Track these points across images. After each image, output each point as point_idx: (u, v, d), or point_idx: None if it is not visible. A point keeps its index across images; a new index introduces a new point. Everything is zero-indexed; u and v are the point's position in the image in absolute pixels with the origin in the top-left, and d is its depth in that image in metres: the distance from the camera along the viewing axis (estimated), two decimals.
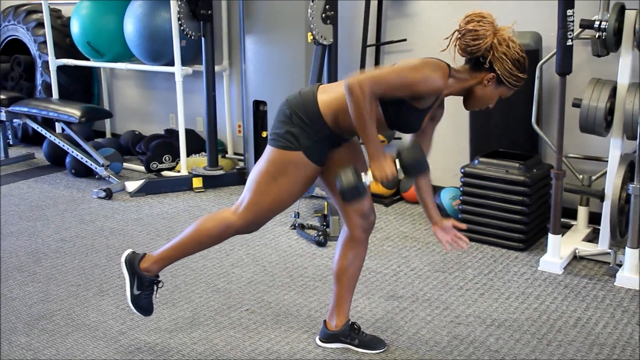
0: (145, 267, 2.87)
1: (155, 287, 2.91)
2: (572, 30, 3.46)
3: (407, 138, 2.81)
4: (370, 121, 2.39)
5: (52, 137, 5.62)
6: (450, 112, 4.65)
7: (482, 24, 2.41)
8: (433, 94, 2.48)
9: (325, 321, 2.97)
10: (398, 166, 2.48)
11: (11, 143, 6.58)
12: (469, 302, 3.37)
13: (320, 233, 4.11)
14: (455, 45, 2.45)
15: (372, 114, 2.39)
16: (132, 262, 2.87)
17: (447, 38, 2.47)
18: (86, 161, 5.44)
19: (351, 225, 2.79)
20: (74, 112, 5.35)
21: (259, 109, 5.14)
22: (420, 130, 2.66)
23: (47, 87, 6.37)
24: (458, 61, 2.51)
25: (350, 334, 2.92)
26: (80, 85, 6.59)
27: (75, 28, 5.91)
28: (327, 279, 3.62)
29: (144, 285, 2.87)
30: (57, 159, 5.90)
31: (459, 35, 2.44)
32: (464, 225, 2.80)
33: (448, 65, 2.48)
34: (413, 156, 2.46)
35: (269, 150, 2.61)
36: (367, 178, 2.47)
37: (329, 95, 2.55)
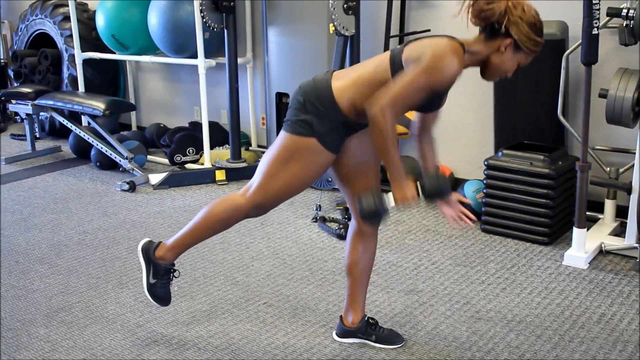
0: (160, 255, 2.86)
1: (171, 276, 2.90)
2: (599, 19, 3.38)
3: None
4: (393, 149, 2.37)
5: (77, 130, 5.66)
6: (475, 104, 4.59)
7: None
8: (453, 81, 2.43)
9: (341, 316, 2.94)
10: (419, 189, 2.53)
11: (38, 136, 6.64)
12: (490, 297, 3.31)
13: (341, 226, 4.07)
14: (468, 12, 2.38)
15: (394, 138, 2.36)
16: (148, 251, 2.87)
17: (459, 3, 2.41)
18: (110, 154, 5.46)
19: (359, 218, 2.74)
20: (98, 105, 5.37)
21: (282, 101, 5.11)
22: None
23: (74, 80, 6.41)
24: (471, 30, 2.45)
25: (367, 329, 2.89)
26: (106, 78, 6.63)
27: (100, 21, 5.94)
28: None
29: (159, 274, 2.86)
30: (82, 151, 5.94)
31: (472, 2, 2.36)
32: (468, 200, 2.72)
33: (461, 44, 2.40)
34: (435, 183, 2.49)
35: (282, 135, 2.56)
36: (389, 202, 2.46)
37: (343, 81, 2.50)
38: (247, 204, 2.63)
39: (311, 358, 2.81)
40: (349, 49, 4.56)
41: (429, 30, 4.73)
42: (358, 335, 2.90)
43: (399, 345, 2.88)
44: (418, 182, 2.52)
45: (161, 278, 2.87)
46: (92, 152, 5.71)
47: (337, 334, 2.95)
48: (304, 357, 2.82)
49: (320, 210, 4.39)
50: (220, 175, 5.26)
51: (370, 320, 2.91)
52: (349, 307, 2.90)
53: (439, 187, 2.48)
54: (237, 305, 3.27)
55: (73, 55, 6.29)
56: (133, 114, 6.75)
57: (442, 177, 2.50)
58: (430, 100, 2.45)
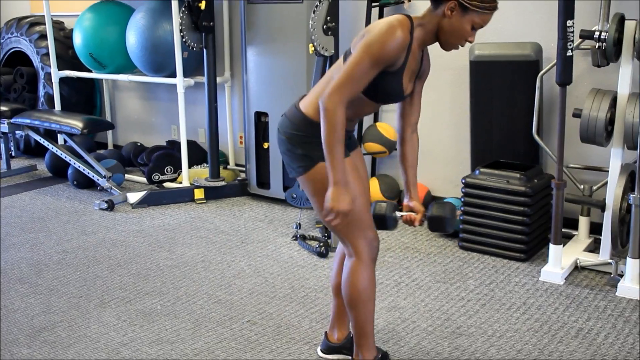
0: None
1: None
2: (572, 41, 3.47)
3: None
4: (338, 141, 2.30)
5: (54, 149, 5.64)
6: (451, 123, 4.67)
7: None
8: (400, 52, 2.32)
9: (326, 333, 2.97)
10: (427, 213, 2.58)
11: (13, 155, 6.61)
12: (470, 312, 3.37)
13: (321, 244, 4.11)
14: None
15: (342, 129, 2.29)
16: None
17: None
18: (88, 173, 5.46)
19: None
20: (76, 123, 5.37)
21: (261, 120, 5.15)
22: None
23: (50, 98, 6.40)
24: None
25: (352, 346, 2.92)
26: (83, 97, 6.62)
27: (77, 40, 5.94)
28: (328, 290, 3.62)
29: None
30: (59, 170, 5.92)
31: None
32: (419, 215, 2.63)
33: (409, 17, 2.36)
34: (440, 212, 2.52)
35: (302, 181, 2.55)
36: (398, 214, 2.54)
37: (309, 98, 2.52)
38: (361, 257, 2.57)
39: None
40: (328, 69, 4.62)
41: None
42: (343, 352, 2.93)
43: None
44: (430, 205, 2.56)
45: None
46: (69, 171, 5.69)
47: (321, 350, 2.97)
48: None
49: (300, 228, 4.43)
50: (199, 193, 5.27)
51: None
52: (335, 324, 2.93)
53: (440, 217, 2.52)
54: (221, 323, 3.29)
55: (49, 74, 6.28)
56: (110, 132, 6.74)
57: (450, 211, 2.51)
58: (387, 82, 2.38)
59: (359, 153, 2.75)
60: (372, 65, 2.29)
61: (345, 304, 2.65)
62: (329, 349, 2.95)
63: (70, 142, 5.59)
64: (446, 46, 2.41)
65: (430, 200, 4.81)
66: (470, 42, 2.38)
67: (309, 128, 2.47)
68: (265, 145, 5.15)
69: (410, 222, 2.64)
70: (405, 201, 2.71)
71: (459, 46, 2.41)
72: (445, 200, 2.57)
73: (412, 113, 2.64)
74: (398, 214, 2.60)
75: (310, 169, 2.50)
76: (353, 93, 2.32)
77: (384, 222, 2.59)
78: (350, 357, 2.91)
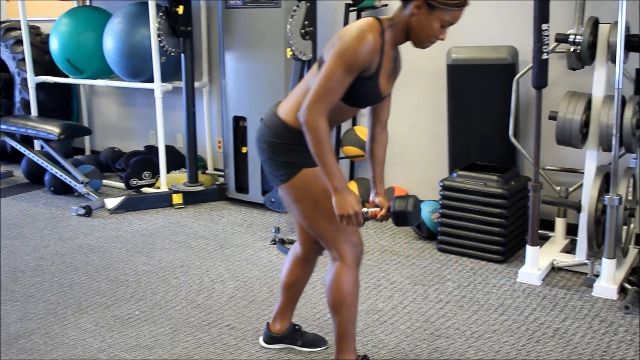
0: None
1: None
2: (548, 44, 3.51)
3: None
4: (328, 151, 2.31)
5: (30, 155, 5.59)
6: (429, 127, 4.69)
7: None
8: (373, 57, 2.32)
9: (268, 324, 3.04)
10: (391, 208, 2.54)
11: None
12: (448, 314, 3.38)
13: None
14: None
15: (328, 139, 2.30)
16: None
17: None
18: (65, 178, 5.42)
19: (306, 246, 2.83)
20: (53, 129, 5.33)
21: (239, 124, 5.14)
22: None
23: (26, 104, 6.35)
24: None
25: (294, 335, 3.02)
26: (60, 103, 6.57)
27: (54, 45, 5.90)
28: (307, 294, 3.62)
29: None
30: (35, 176, 5.87)
31: None
32: (383, 211, 2.58)
33: (378, 19, 2.35)
34: (402, 206, 2.51)
35: (285, 189, 2.55)
36: (364, 210, 2.53)
37: (288, 104, 2.50)
38: (346, 261, 2.57)
39: None
40: (306, 73, 4.63)
41: None
42: (285, 341, 3.02)
43: (324, 348, 3.02)
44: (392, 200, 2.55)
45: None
46: (46, 177, 5.65)
47: (264, 340, 3.06)
48: None
49: (278, 232, 4.43)
50: (177, 198, 5.25)
51: (296, 327, 3.03)
52: (278, 316, 3.01)
53: (404, 212, 2.50)
54: (200, 328, 3.28)
55: (25, 79, 6.22)
56: (87, 138, 6.70)
57: (413, 204, 2.50)
58: (363, 87, 2.38)
59: None
60: (346, 73, 2.29)
61: (329, 307, 2.66)
62: (270, 339, 3.04)
63: (47, 148, 5.55)
64: (417, 44, 2.40)
65: None
66: (442, 39, 2.36)
67: (289, 135, 2.47)
68: (244, 150, 5.15)
69: (375, 218, 2.63)
70: (371, 197, 2.72)
71: (430, 44, 2.38)
72: (407, 195, 2.57)
73: (382, 110, 2.64)
74: (363, 210, 2.57)
75: (294, 177, 2.49)
76: (332, 103, 2.32)
77: (404, 218, 2.55)
78: (293, 346, 3.02)
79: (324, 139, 2.30)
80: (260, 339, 3.07)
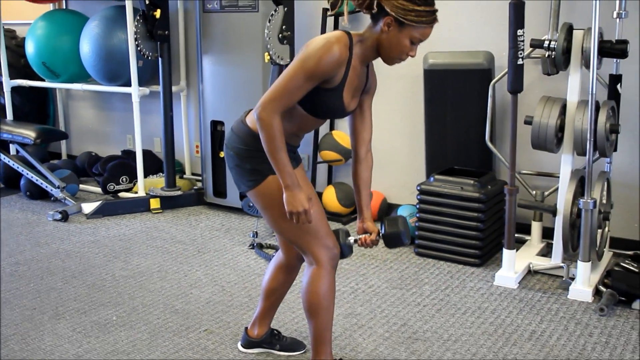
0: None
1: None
2: (523, 50, 3.55)
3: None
4: (280, 148, 2.33)
5: (6, 159, 5.54)
6: (406, 131, 4.72)
7: None
8: (337, 68, 2.33)
9: (246, 328, 3.04)
10: (380, 232, 2.58)
11: None
12: (426, 317, 3.40)
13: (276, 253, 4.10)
14: (346, 4, 2.35)
15: (280, 136, 2.32)
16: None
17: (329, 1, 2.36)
18: (41, 183, 5.38)
19: (288, 253, 2.84)
20: (28, 133, 5.29)
21: (217, 129, 5.14)
22: (357, 109, 2.58)
23: (1, 108, 6.27)
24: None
25: (272, 340, 3.02)
26: (35, 106, 6.52)
27: (30, 48, 5.86)
28: (285, 299, 3.61)
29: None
30: (11, 181, 5.82)
31: None
32: (373, 236, 2.64)
33: (348, 33, 2.37)
34: (393, 228, 2.53)
35: (253, 196, 2.55)
36: (351, 240, 2.59)
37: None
38: (321, 265, 2.57)
39: None
40: None
41: None
42: (263, 346, 3.03)
43: (302, 352, 3.02)
44: (381, 223, 2.58)
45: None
46: (22, 182, 5.60)
47: (242, 345, 3.06)
48: None
49: (256, 236, 4.43)
50: (154, 203, 5.23)
51: (274, 331, 3.04)
52: (257, 322, 3.01)
53: (396, 233, 2.52)
54: (178, 333, 3.27)
55: (1, 83, 6.16)
56: (63, 142, 6.65)
57: (403, 225, 2.52)
58: (327, 98, 2.39)
59: (302, 169, 2.72)
60: (305, 79, 2.31)
61: (305, 311, 2.66)
62: (249, 343, 3.03)
63: (23, 152, 5.50)
64: (388, 61, 2.42)
65: (386, 207, 4.85)
66: (412, 56, 2.39)
67: (255, 142, 2.46)
68: (222, 154, 5.14)
69: (366, 245, 2.65)
70: (359, 223, 2.70)
71: (400, 60, 2.40)
72: (395, 215, 2.59)
73: (364, 129, 2.64)
74: (351, 239, 2.61)
75: (260, 183, 2.50)
76: (286, 105, 2.34)
77: (399, 240, 2.60)
78: (271, 350, 3.02)
79: (276, 136, 2.32)
80: (239, 344, 3.07)
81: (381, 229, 2.59)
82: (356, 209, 2.75)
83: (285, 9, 4.46)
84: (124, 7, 5.18)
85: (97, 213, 5.10)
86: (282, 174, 2.37)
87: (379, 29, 2.34)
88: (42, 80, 6.07)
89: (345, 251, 2.63)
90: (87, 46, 5.48)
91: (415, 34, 2.31)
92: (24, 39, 6.10)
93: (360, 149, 2.66)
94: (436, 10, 2.31)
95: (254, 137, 2.47)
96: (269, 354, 3.03)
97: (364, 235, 2.65)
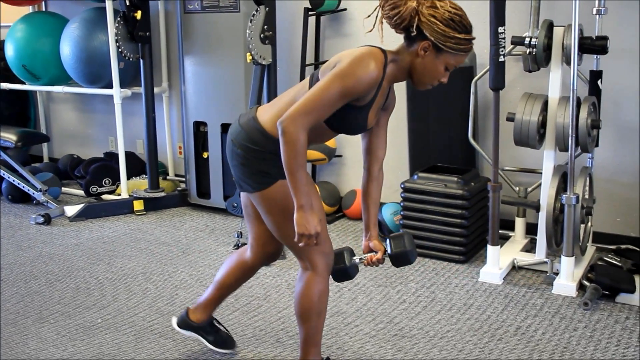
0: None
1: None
2: (504, 47, 3.57)
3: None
4: (301, 165, 2.24)
5: None
6: (389, 129, 4.71)
7: None
8: (372, 89, 2.29)
9: (188, 309, 2.96)
10: (387, 251, 2.55)
11: None
12: (412, 315, 3.41)
13: None
14: (382, 23, 2.28)
15: (304, 154, 2.23)
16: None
17: (368, 16, 2.29)
18: (23, 186, 5.34)
19: (257, 256, 2.80)
20: (9, 136, 5.24)
21: (200, 129, 5.12)
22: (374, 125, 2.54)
23: None
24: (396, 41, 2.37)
25: (209, 330, 2.97)
26: (16, 109, 6.46)
27: (9, 51, 5.80)
28: (271, 298, 3.63)
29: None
30: None
31: (381, 11, 2.25)
32: (379, 255, 2.60)
33: (383, 51, 2.31)
34: (400, 247, 2.50)
35: (256, 198, 2.48)
36: (357, 259, 2.57)
37: (270, 113, 2.43)
38: (318, 271, 2.53)
39: None
40: (266, 78, 4.64)
41: None
42: (199, 332, 2.95)
43: (230, 352, 3.01)
44: (386, 241, 2.55)
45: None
46: (3, 185, 5.55)
47: (177, 323, 2.96)
48: None
49: (241, 237, 4.42)
50: (138, 205, 5.21)
51: (214, 321, 3.00)
52: (201, 307, 2.94)
53: (404, 252, 2.50)
54: (164, 334, 3.26)
55: None
56: (45, 145, 6.60)
57: (410, 243, 2.50)
58: (353, 116, 2.35)
59: (313, 184, 2.64)
60: (341, 96, 2.23)
61: (297, 314, 2.62)
62: (185, 324, 2.94)
63: (4, 156, 5.45)
64: (419, 85, 2.37)
65: None
66: (443, 82, 2.34)
67: (266, 143, 2.40)
68: (205, 155, 5.13)
69: (372, 264, 2.61)
70: (364, 241, 2.66)
71: (432, 86, 2.36)
72: (400, 232, 2.57)
73: (379, 147, 2.58)
74: (356, 258, 2.58)
75: (268, 187, 2.43)
76: (316, 120, 2.25)
77: (346, 274, 2.58)
78: (204, 340, 2.96)
79: (301, 153, 2.22)
80: (174, 320, 2.97)
81: (387, 247, 2.55)
82: (363, 222, 2.68)
83: (267, 8, 4.45)
84: (104, 8, 5.15)
85: (80, 216, 5.07)
86: (297, 194, 2.27)
87: (414, 52, 2.28)
88: (23, 83, 6.01)
89: (351, 272, 2.58)
90: (67, 48, 5.44)
91: (451, 61, 2.28)
92: (3, 41, 6.04)
93: (373, 167, 2.61)
94: (474, 38, 2.29)
95: (266, 138, 2.40)
96: (242, 353, 3.02)
97: (369, 255, 2.60)
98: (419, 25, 2.22)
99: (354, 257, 2.58)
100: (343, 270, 2.56)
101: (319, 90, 2.25)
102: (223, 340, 3.02)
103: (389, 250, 2.54)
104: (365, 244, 2.66)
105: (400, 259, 2.55)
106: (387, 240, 2.55)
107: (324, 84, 2.25)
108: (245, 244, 4.29)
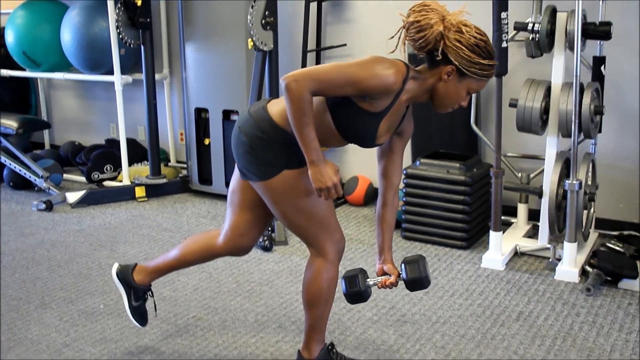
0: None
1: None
2: (507, 33, 3.55)
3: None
4: (308, 123, 2.19)
5: None
6: None
7: (425, 13, 2.20)
8: (385, 93, 2.25)
9: (136, 265, 2.94)
10: (402, 275, 2.54)
11: None
12: (414, 300, 3.41)
13: (265, 238, 4.10)
14: (405, 44, 2.26)
15: (310, 113, 2.18)
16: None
17: (392, 37, 2.28)
18: (25, 173, 5.33)
19: (231, 242, 2.74)
20: (10, 123, 5.23)
21: (201, 116, 5.11)
22: (386, 146, 2.52)
23: None
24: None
25: (142, 294, 2.93)
26: (17, 97, 6.45)
27: (10, 38, 5.78)
28: (273, 284, 3.63)
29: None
30: None
31: (406, 33, 2.23)
32: (393, 278, 2.58)
33: (407, 65, 2.28)
34: (416, 273, 2.49)
35: (261, 188, 2.44)
36: (371, 282, 2.57)
37: (280, 106, 2.37)
38: (328, 258, 2.53)
39: None
40: (268, 64, 4.61)
41: (344, 45, 4.85)
42: (130, 292, 2.90)
43: (139, 326, 2.96)
44: (401, 272, 2.54)
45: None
46: (5, 172, 5.54)
47: (117, 271, 2.92)
48: None
49: None
50: (140, 192, 5.21)
51: (150, 291, 2.97)
52: (148, 270, 2.93)
53: (419, 278, 2.49)
54: (166, 320, 3.26)
55: None
56: (46, 132, 6.59)
57: (424, 267, 2.49)
58: (363, 120, 2.31)
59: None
60: (351, 83, 2.20)
61: (305, 301, 2.61)
62: (124, 277, 2.89)
63: (5, 143, 5.44)
64: (439, 108, 2.35)
65: (372, 192, 4.84)
66: (464, 105, 2.34)
67: (274, 132, 2.36)
68: (207, 142, 5.12)
69: (385, 287, 2.60)
70: (378, 264, 2.66)
71: (452, 109, 2.35)
72: (414, 257, 2.57)
73: (394, 173, 2.58)
74: (371, 281, 2.57)
75: (273, 177, 2.39)
76: (318, 90, 2.20)
77: (360, 297, 2.57)
78: (124, 298, 2.92)
79: (306, 111, 2.18)
80: (115, 266, 2.93)
81: (402, 272, 2.54)
82: (377, 246, 2.69)
83: None
84: None
85: (82, 202, 5.07)
86: (307, 150, 2.23)
87: (437, 75, 2.26)
88: (23, 70, 6.00)
89: (365, 296, 2.57)
90: (68, 35, 5.42)
91: (474, 86, 2.27)
92: (3, 28, 6.02)
93: (388, 192, 2.60)
94: (497, 64, 2.28)
95: (274, 127, 2.36)
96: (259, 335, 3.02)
97: (383, 278, 2.60)
98: (444, 50, 2.20)
99: (368, 280, 2.57)
100: (357, 293, 2.56)
101: (334, 66, 2.24)
102: (142, 312, 2.94)
103: (404, 276, 2.53)
104: (380, 267, 2.65)
105: (415, 285, 2.55)
106: (402, 265, 2.55)
107: (341, 63, 2.24)
108: None
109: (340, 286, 2.58)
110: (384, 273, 2.62)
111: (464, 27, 2.20)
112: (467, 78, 2.24)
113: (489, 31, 3.57)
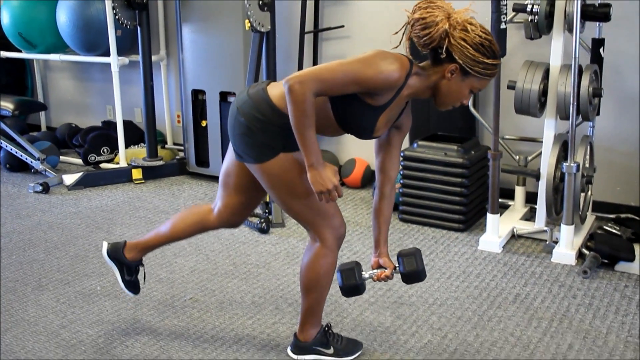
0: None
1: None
2: (506, 14, 3.53)
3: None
4: (310, 125, 2.18)
5: None
6: None
7: (430, 10, 2.18)
8: (388, 89, 2.25)
9: (126, 242, 2.94)
10: (396, 268, 2.56)
11: None
12: None
13: (262, 220, 4.10)
14: (409, 39, 2.26)
15: (312, 114, 2.17)
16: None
17: (396, 33, 2.28)
18: (21, 155, 5.31)
19: (223, 218, 2.78)
20: (6, 105, 5.22)
21: (198, 98, 5.09)
22: (384, 140, 2.51)
23: None
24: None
25: (131, 271, 2.94)
26: (13, 78, 6.42)
27: (5, 19, 5.74)
28: (270, 266, 3.63)
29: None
30: None
31: (410, 29, 2.22)
32: (389, 271, 2.58)
33: (410, 60, 2.28)
34: (412, 266, 2.50)
35: (258, 171, 2.42)
36: (366, 275, 2.56)
37: (280, 89, 2.34)
38: (327, 244, 2.52)
39: (240, 349, 2.84)
40: (265, 45, 4.59)
41: (342, 27, 4.82)
42: (123, 268, 2.92)
43: (132, 295, 3.01)
44: (397, 265, 2.56)
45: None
46: (1, 154, 5.52)
47: (108, 247, 2.92)
48: (233, 349, 2.85)
49: None
50: (137, 174, 5.19)
51: (141, 265, 2.99)
52: (137, 246, 2.94)
53: (415, 271, 2.50)
54: (163, 302, 3.26)
55: None
56: (42, 114, 6.56)
57: (420, 260, 2.51)
58: (363, 113, 2.30)
59: None
60: (356, 80, 2.20)
61: (302, 285, 2.61)
62: (116, 255, 2.90)
63: (2, 125, 5.42)
64: (441, 105, 2.36)
65: (370, 174, 4.84)
66: (465, 104, 2.35)
67: (272, 114, 2.34)
68: (204, 124, 5.10)
69: (381, 280, 2.60)
70: (374, 257, 2.65)
71: (453, 107, 2.36)
72: (410, 250, 2.57)
73: (392, 167, 2.56)
74: (366, 274, 2.57)
75: (269, 160, 2.38)
76: (322, 91, 2.20)
77: (356, 290, 2.56)
78: (116, 274, 2.93)
79: (309, 113, 2.17)
80: (105, 245, 2.92)
81: (399, 266, 2.55)
82: (373, 239, 2.67)
83: None
84: None
85: (79, 184, 5.05)
86: (307, 152, 2.22)
87: (442, 73, 2.26)
88: (19, 51, 5.96)
89: (361, 289, 2.57)
90: (64, 16, 5.38)
91: (476, 84, 2.28)
92: None
93: (385, 186, 2.59)
94: (500, 63, 2.26)
95: (272, 109, 2.34)
96: (250, 318, 3.02)
97: (379, 271, 2.60)
98: (448, 48, 2.20)
99: (363, 273, 2.57)
100: (354, 286, 2.55)
101: (337, 64, 2.22)
102: (135, 283, 2.97)
103: (400, 269, 2.54)
104: (375, 260, 2.64)
105: (411, 278, 2.57)
106: (398, 258, 2.56)
107: (345, 61, 2.23)
108: None
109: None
110: (380, 266, 2.62)
111: (470, 25, 2.19)
112: (471, 77, 2.24)
113: (487, 13, 3.57)
